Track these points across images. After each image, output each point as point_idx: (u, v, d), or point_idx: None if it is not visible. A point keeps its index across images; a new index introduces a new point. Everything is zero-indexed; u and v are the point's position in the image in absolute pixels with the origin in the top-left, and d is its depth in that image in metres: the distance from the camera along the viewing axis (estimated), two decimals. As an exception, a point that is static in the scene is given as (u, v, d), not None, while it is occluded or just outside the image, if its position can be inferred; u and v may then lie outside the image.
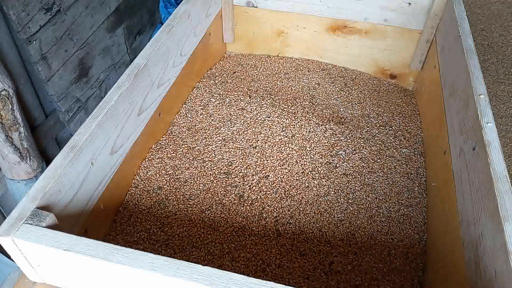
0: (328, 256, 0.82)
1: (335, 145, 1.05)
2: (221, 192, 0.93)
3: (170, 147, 1.03)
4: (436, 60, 1.10)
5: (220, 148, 1.03)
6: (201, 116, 1.12)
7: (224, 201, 0.91)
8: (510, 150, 1.74)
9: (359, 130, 1.10)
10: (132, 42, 1.67)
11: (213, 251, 0.82)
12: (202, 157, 1.01)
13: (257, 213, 0.89)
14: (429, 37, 1.18)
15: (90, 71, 1.42)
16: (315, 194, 0.93)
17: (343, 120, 1.14)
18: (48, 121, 1.33)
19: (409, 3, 1.17)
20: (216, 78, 1.28)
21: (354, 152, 1.03)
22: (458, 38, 0.93)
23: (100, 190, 0.77)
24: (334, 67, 1.35)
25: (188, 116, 1.12)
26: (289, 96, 1.22)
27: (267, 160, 1.00)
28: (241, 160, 1.00)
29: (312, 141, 1.05)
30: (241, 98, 1.18)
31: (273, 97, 1.20)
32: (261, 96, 1.20)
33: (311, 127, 1.09)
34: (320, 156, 1.01)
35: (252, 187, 0.94)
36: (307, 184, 0.95)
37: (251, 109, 1.14)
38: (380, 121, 1.15)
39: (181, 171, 0.97)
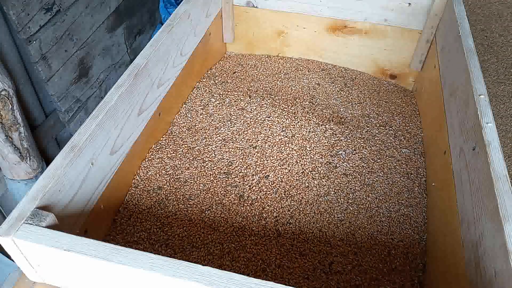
0: (328, 256, 0.82)
1: (335, 145, 1.05)
2: (221, 192, 0.93)
3: (170, 147, 1.03)
4: (436, 60, 1.10)
5: (220, 148, 1.03)
6: (201, 116, 1.12)
7: (224, 201, 0.91)
8: (510, 150, 1.74)
9: (359, 130, 1.10)
10: (132, 42, 1.67)
11: (213, 251, 0.82)
12: (202, 157, 1.01)
13: (257, 213, 0.89)
14: (429, 37, 1.18)
15: (90, 71, 1.42)
16: (315, 194, 0.93)
17: (343, 120, 1.14)
18: (48, 121, 1.32)
19: (409, 3, 1.17)
20: (216, 78, 1.28)
21: (354, 152, 1.03)
22: (458, 38, 0.93)
23: (100, 190, 0.77)
24: (334, 67, 1.35)
25: (188, 116, 1.12)
26: (289, 96, 1.22)
27: (267, 160, 1.00)
28: (241, 160, 1.00)
29: (312, 141, 1.05)
30: (241, 98, 1.18)
31: (273, 97, 1.20)
32: (261, 96, 1.20)
33: (311, 127, 1.09)
34: (320, 156, 1.01)
35: (252, 187, 0.94)
36: (307, 184, 0.95)
37: (251, 109, 1.14)
38: (380, 121, 1.15)
39: (181, 171, 0.97)
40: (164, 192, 0.92)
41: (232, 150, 1.03)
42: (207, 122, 1.11)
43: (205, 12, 1.18)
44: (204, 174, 0.97)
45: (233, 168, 0.98)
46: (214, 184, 0.94)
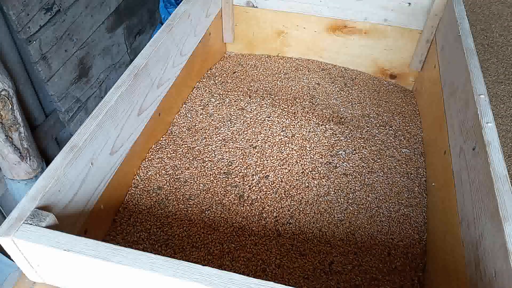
0: (328, 256, 0.82)
1: (335, 145, 1.05)
2: (221, 192, 0.93)
3: (170, 147, 1.03)
4: (436, 60, 1.10)
5: (220, 148, 1.03)
6: (201, 116, 1.12)
7: (224, 201, 0.91)
8: (510, 150, 1.74)
9: (359, 130, 1.10)
10: (132, 42, 1.67)
11: (213, 251, 0.82)
12: (202, 157, 1.01)
13: (257, 213, 0.89)
14: (429, 37, 1.18)
15: (90, 71, 1.42)
16: (315, 194, 0.93)
17: (343, 120, 1.14)
18: (48, 121, 1.32)
19: (409, 3, 1.17)
20: (216, 78, 1.28)
21: (354, 152, 1.03)
22: (458, 38, 0.93)
23: (100, 190, 0.77)
24: (334, 67, 1.35)
25: (188, 116, 1.12)
26: (289, 96, 1.22)
27: (267, 160, 1.00)
28: (241, 160, 1.00)
29: (312, 141, 1.05)
30: (241, 98, 1.18)
31: (273, 97, 1.20)
32: (261, 96, 1.20)
33: (311, 127, 1.09)
34: (320, 156, 1.01)
35: (252, 187, 0.94)
36: (307, 184, 0.95)
37: (251, 109, 1.14)
38: (380, 121, 1.15)
39: (181, 171, 0.97)
40: (164, 192, 0.92)
41: (232, 150, 1.03)
42: (207, 122, 1.11)
43: (205, 12, 1.18)
44: (204, 174, 0.97)
45: (233, 168, 0.98)
46: (214, 184, 0.94)
